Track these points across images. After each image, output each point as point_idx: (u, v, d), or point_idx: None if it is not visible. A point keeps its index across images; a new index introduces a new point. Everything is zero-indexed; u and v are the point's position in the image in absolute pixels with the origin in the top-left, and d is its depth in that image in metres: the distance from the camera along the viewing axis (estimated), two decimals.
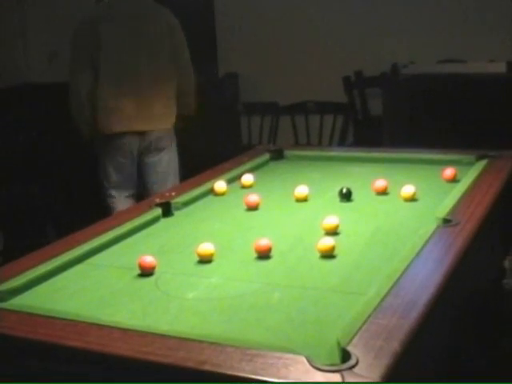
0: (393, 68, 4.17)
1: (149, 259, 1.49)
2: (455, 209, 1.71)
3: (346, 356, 1.04)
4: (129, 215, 1.84)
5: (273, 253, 1.55)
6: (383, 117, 3.90)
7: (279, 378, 1.00)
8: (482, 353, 1.95)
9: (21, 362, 1.18)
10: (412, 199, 1.91)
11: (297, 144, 3.96)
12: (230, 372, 1.02)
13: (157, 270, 1.48)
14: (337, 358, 1.05)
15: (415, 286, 1.30)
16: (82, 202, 3.63)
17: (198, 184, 2.12)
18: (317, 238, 1.57)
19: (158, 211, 1.86)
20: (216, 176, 2.19)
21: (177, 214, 1.90)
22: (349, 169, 2.35)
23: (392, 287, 1.27)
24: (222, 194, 2.08)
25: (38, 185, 3.54)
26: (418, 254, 1.44)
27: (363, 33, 4.62)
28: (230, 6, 4.94)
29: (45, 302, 1.35)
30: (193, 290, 1.41)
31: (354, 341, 1.08)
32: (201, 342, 1.10)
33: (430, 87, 3.63)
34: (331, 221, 1.67)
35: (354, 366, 1.00)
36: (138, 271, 1.48)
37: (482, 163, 2.14)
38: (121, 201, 2.98)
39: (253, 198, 1.93)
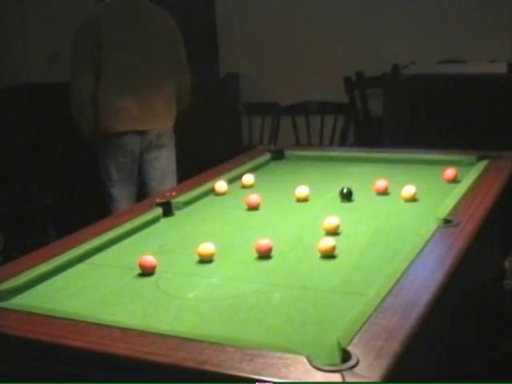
0: (393, 68, 4.17)
1: (149, 259, 1.48)
2: (456, 209, 1.71)
3: (346, 356, 1.04)
4: (129, 215, 1.84)
5: (273, 253, 1.55)
6: (384, 117, 3.90)
7: (280, 377, 1.00)
8: (482, 353, 1.95)
9: (21, 362, 1.18)
10: (413, 200, 1.91)
11: (297, 144, 3.96)
12: (230, 372, 1.02)
13: (157, 270, 1.48)
14: (337, 358, 1.05)
15: (415, 286, 1.30)
16: (83, 201, 3.63)
17: (199, 184, 2.12)
18: (317, 239, 1.57)
19: (159, 211, 1.86)
20: (216, 176, 2.19)
21: (177, 213, 1.90)
22: (349, 169, 2.35)
23: (392, 287, 1.27)
24: (223, 194, 2.08)
25: (37, 185, 3.54)
26: (418, 255, 1.44)
27: (364, 33, 4.62)
28: (230, 7, 4.94)
29: (45, 301, 1.35)
30: (193, 289, 1.41)
31: (355, 341, 1.08)
32: (201, 341, 1.10)
33: (431, 87, 3.63)
34: (332, 221, 1.67)
35: (354, 366, 1.00)
36: (138, 271, 1.48)
37: (483, 164, 2.14)
38: (122, 200, 2.99)
39: (253, 198, 1.93)
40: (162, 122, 2.98)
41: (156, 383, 1.07)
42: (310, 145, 3.99)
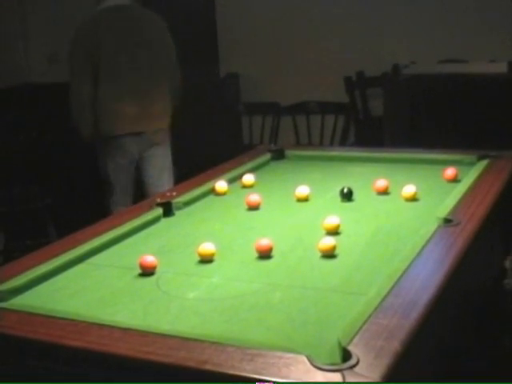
0: (394, 68, 4.17)
1: (150, 259, 1.48)
2: (456, 209, 1.71)
3: (346, 355, 1.04)
4: (130, 215, 1.84)
5: (274, 253, 1.55)
6: (384, 117, 3.90)
7: (280, 377, 1.00)
8: (483, 353, 1.95)
9: (21, 362, 1.18)
10: (413, 199, 1.91)
11: (298, 144, 3.96)
12: (231, 372, 1.02)
13: (158, 270, 1.48)
14: (337, 358, 1.05)
15: (416, 286, 1.30)
16: (83, 201, 3.63)
17: (199, 184, 2.12)
18: (318, 238, 1.57)
19: (159, 211, 1.87)
20: (217, 176, 2.19)
21: (178, 213, 1.90)
22: (350, 169, 2.35)
23: (393, 287, 1.27)
24: (223, 194, 2.08)
25: (38, 185, 3.54)
26: (418, 254, 1.44)
27: (364, 33, 4.62)
28: (230, 7, 4.94)
29: (45, 301, 1.35)
30: (194, 289, 1.41)
31: (355, 340, 1.08)
32: (202, 341, 1.10)
33: (431, 87, 3.63)
34: (332, 221, 1.67)
35: (354, 366, 1.00)
36: (138, 271, 1.48)
37: (483, 163, 2.14)
38: (121, 200, 3.05)
39: (254, 197, 1.93)
40: (158, 123, 3.06)
41: (157, 383, 1.07)
42: (310, 145, 3.99)
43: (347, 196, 1.94)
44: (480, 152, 2.24)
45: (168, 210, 1.89)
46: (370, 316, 1.15)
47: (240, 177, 2.20)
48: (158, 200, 1.94)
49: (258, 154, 2.51)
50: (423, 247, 1.47)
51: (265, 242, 1.55)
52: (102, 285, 1.45)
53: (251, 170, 2.29)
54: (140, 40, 3.01)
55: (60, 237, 1.78)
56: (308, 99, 4.17)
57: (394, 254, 1.49)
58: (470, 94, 3.47)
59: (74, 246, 1.59)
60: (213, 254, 1.54)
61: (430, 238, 1.52)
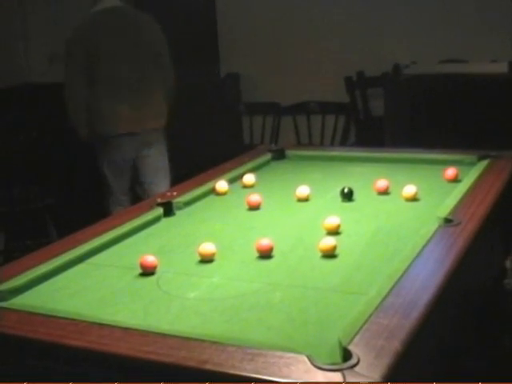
0: (394, 68, 4.17)
1: (150, 259, 1.48)
2: (456, 209, 1.71)
3: (347, 355, 1.04)
4: (130, 215, 1.84)
5: (274, 253, 1.55)
6: (385, 117, 3.90)
7: (280, 377, 1.00)
8: (483, 353, 1.95)
9: (21, 362, 1.18)
10: (413, 199, 1.91)
11: (298, 144, 3.96)
12: (231, 371, 1.02)
13: (158, 270, 1.48)
14: (338, 357, 1.05)
15: (416, 285, 1.30)
16: (83, 201, 3.63)
17: (200, 184, 2.12)
18: (318, 238, 1.57)
19: (160, 211, 1.86)
20: (217, 176, 2.19)
21: (178, 213, 1.90)
22: (350, 169, 2.35)
23: (393, 287, 1.27)
24: (224, 194, 2.08)
25: (38, 185, 3.54)
26: (419, 254, 1.43)
27: (365, 33, 4.61)
28: (231, 7, 4.94)
29: (45, 301, 1.35)
30: (194, 289, 1.41)
31: (355, 340, 1.08)
32: (202, 341, 1.10)
33: (432, 87, 3.63)
34: (332, 221, 1.67)
35: (355, 366, 1.00)
36: (139, 271, 1.48)
37: (484, 163, 2.14)
38: (118, 200, 3.12)
39: (254, 197, 1.93)
40: (153, 123, 3.11)
41: (157, 383, 1.07)
42: (310, 145, 3.99)
43: (348, 196, 1.94)
44: (480, 152, 2.24)
45: (168, 210, 1.89)
46: (370, 316, 1.15)
47: (240, 177, 2.20)
48: (159, 200, 1.94)
49: (258, 154, 2.51)
50: (423, 247, 1.47)
51: (265, 241, 1.55)
52: (102, 285, 1.45)
53: (252, 170, 2.29)
54: (134, 41, 3.07)
55: (60, 237, 1.78)
56: (308, 99, 4.17)
57: (395, 254, 1.49)
58: (470, 94, 3.47)
59: (74, 246, 1.59)
60: (213, 254, 1.54)
61: (431, 238, 1.52)
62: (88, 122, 3.03)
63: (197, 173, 2.28)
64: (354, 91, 4.48)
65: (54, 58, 4.33)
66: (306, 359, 1.02)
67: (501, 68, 3.63)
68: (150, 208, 1.88)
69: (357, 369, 0.99)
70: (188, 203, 1.96)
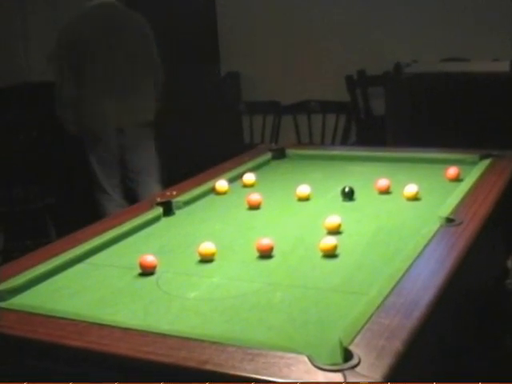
0: (396, 67, 4.16)
1: (150, 259, 1.48)
2: (458, 208, 1.70)
3: (348, 355, 1.03)
4: (129, 214, 1.84)
5: (274, 252, 1.54)
6: (386, 116, 3.89)
7: (281, 377, 0.99)
8: (484, 353, 1.94)
9: (21, 362, 1.18)
10: (415, 198, 1.90)
11: (299, 143, 3.95)
12: (231, 372, 1.01)
13: (158, 270, 1.48)
14: (339, 358, 1.05)
15: (417, 285, 1.29)
16: (83, 201, 3.62)
17: (200, 183, 2.12)
18: (319, 238, 1.56)
19: (159, 210, 1.86)
20: (217, 175, 2.18)
21: (178, 213, 1.90)
22: (351, 168, 2.34)
23: (394, 287, 1.26)
24: (224, 194, 2.08)
25: (38, 185, 3.54)
26: (420, 254, 1.43)
27: (366, 31, 4.60)
28: (231, 6, 4.93)
29: (45, 301, 1.34)
30: (194, 289, 1.40)
31: (356, 340, 1.07)
32: (202, 341, 1.09)
33: (433, 86, 3.62)
34: (333, 220, 1.66)
35: (355, 366, 1.00)
36: (138, 271, 1.48)
37: (486, 162, 2.14)
38: (109, 194, 3.22)
39: (254, 197, 1.93)
40: (141, 118, 3.21)
41: (157, 383, 1.07)
42: (311, 144, 3.98)
43: (348, 195, 1.93)
44: (482, 151, 2.23)
45: (168, 210, 1.88)
46: (371, 316, 1.15)
47: (241, 176, 2.19)
48: (158, 199, 1.93)
49: (258, 154, 2.50)
50: (425, 247, 1.47)
51: (266, 241, 1.55)
52: (102, 284, 1.44)
53: (252, 170, 2.28)
54: (122, 39, 3.15)
55: (59, 237, 1.77)
56: (309, 98, 4.16)
57: (396, 254, 1.48)
58: (472, 93, 3.46)
59: (73, 246, 1.59)
60: (213, 254, 1.54)
61: (432, 238, 1.51)
62: (76, 118, 3.13)
63: (196, 172, 2.28)
64: (354, 90, 4.47)
65: (51, 57, 4.35)
66: (306, 359, 1.02)
67: (503, 67, 3.61)
68: (150, 207, 1.87)
69: (358, 369, 0.99)
70: (188, 203, 1.95)
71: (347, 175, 2.24)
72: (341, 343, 1.07)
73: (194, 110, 4.52)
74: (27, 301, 1.34)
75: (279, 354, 1.04)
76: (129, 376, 1.08)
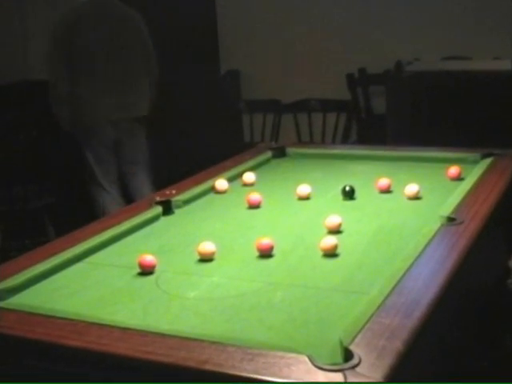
0: (397, 65, 4.15)
1: (149, 258, 1.47)
2: (459, 207, 1.69)
3: (348, 355, 1.03)
4: (128, 213, 1.83)
5: (275, 252, 1.54)
6: (387, 114, 3.88)
7: (281, 377, 0.99)
8: (485, 353, 1.93)
9: (20, 362, 1.17)
10: (416, 198, 1.90)
11: (299, 142, 3.94)
12: (231, 371, 1.01)
13: (157, 269, 1.47)
14: (339, 358, 1.04)
15: (418, 285, 1.29)
16: (83, 201, 3.62)
17: (199, 182, 2.11)
18: (319, 237, 1.56)
19: (159, 209, 1.85)
20: (217, 174, 2.18)
21: (177, 212, 1.89)
22: (352, 167, 2.34)
23: (395, 286, 1.26)
24: (224, 193, 2.07)
25: (37, 184, 3.54)
26: (421, 253, 1.42)
27: (367, 30, 4.60)
28: (231, 4, 4.93)
29: (44, 301, 1.34)
30: (194, 289, 1.40)
31: (357, 340, 1.07)
32: (202, 341, 1.09)
33: (435, 84, 3.61)
34: (334, 219, 1.66)
35: (356, 366, 0.99)
36: (138, 270, 1.47)
37: (487, 161, 2.13)
38: (106, 190, 3.25)
39: (254, 196, 1.92)
40: (134, 113, 3.25)
41: (156, 383, 1.06)
42: (311, 143, 3.97)
43: (349, 194, 1.93)
44: (483, 150, 2.22)
45: (167, 209, 1.88)
46: (372, 315, 1.14)
47: (240, 175, 2.19)
48: (158, 198, 1.92)
49: (258, 152, 2.50)
50: (426, 246, 1.46)
51: (266, 240, 1.54)
52: (101, 284, 1.44)
53: (252, 169, 2.28)
54: (117, 35, 3.18)
55: (59, 236, 1.76)
56: (309, 97, 4.15)
57: (397, 253, 1.48)
58: (473, 91, 3.45)
59: (72, 245, 1.58)
60: (213, 253, 1.53)
61: (433, 237, 1.51)
62: (71, 112, 3.16)
63: (196, 171, 2.27)
64: (355, 88, 4.46)
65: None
66: (306, 359, 1.01)
67: (504, 65, 3.60)
68: (149, 206, 1.86)
69: (358, 369, 0.98)
70: (187, 202, 1.95)
71: (348, 174, 2.23)
72: (341, 343, 1.07)
73: (193, 109, 4.52)
74: (26, 300, 1.34)
75: (279, 353, 1.03)
76: (128, 376, 1.08)
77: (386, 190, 1.98)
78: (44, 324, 1.19)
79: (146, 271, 1.46)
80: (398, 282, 1.28)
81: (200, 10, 4.94)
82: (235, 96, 4.87)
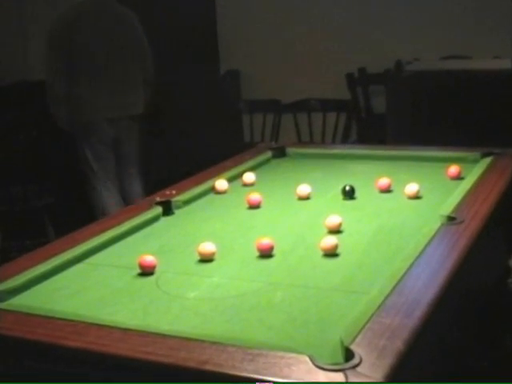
0: (397, 65, 4.15)
1: (149, 258, 1.47)
2: (459, 207, 1.69)
3: (349, 355, 1.03)
4: (128, 214, 1.83)
5: (275, 252, 1.54)
6: (386, 114, 3.88)
7: (281, 377, 0.99)
8: (485, 353, 1.93)
9: (19, 363, 1.17)
10: (416, 197, 1.90)
11: (299, 142, 3.94)
12: (231, 372, 1.01)
13: (157, 270, 1.47)
14: (340, 357, 1.04)
15: (419, 284, 1.28)
16: (82, 201, 3.62)
17: (199, 182, 2.11)
18: (319, 237, 1.55)
19: (159, 210, 1.85)
20: (217, 174, 2.17)
21: (177, 212, 1.89)
22: (352, 167, 2.34)
23: (395, 286, 1.26)
24: (224, 193, 2.07)
25: (37, 184, 3.54)
26: (421, 253, 1.42)
27: (367, 30, 4.60)
28: (231, 4, 4.93)
29: (44, 301, 1.34)
30: (194, 289, 1.40)
31: (358, 340, 1.06)
32: (202, 341, 1.09)
33: (435, 84, 3.61)
34: (334, 219, 1.66)
35: (357, 365, 0.99)
36: (138, 271, 1.47)
37: (487, 161, 2.13)
38: (104, 186, 3.27)
39: (254, 196, 1.92)
40: (132, 110, 3.29)
41: (157, 383, 1.06)
42: (311, 142, 3.97)
43: (349, 194, 1.93)
44: (483, 149, 2.22)
45: (167, 209, 1.87)
46: (372, 315, 1.14)
47: (240, 175, 2.18)
48: (158, 199, 1.92)
49: (258, 152, 2.50)
50: (426, 245, 1.46)
51: (266, 241, 1.54)
52: (101, 285, 1.44)
53: (252, 169, 2.28)
54: (116, 34, 3.21)
55: (59, 237, 1.76)
56: (309, 96, 4.14)
57: (397, 253, 1.48)
58: (474, 90, 3.45)
59: (72, 246, 1.58)
60: (213, 254, 1.53)
61: (433, 237, 1.51)
62: (69, 112, 3.18)
63: (196, 171, 2.27)
64: (355, 88, 4.46)
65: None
66: (307, 359, 1.01)
67: (504, 64, 3.60)
68: (149, 207, 1.86)
69: (359, 369, 0.98)
70: (187, 202, 1.94)
71: (348, 174, 2.23)
72: (342, 343, 1.06)
73: (193, 109, 4.51)
74: (26, 301, 1.33)
75: (280, 353, 1.03)
76: (128, 377, 1.07)
77: (386, 190, 1.98)
78: (44, 325, 1.19)
79: (146, 272, 1.46)
80: (399, 281, 1.28)
81: (200, 10, 4.93)
82: (235, 96, 4.87)
